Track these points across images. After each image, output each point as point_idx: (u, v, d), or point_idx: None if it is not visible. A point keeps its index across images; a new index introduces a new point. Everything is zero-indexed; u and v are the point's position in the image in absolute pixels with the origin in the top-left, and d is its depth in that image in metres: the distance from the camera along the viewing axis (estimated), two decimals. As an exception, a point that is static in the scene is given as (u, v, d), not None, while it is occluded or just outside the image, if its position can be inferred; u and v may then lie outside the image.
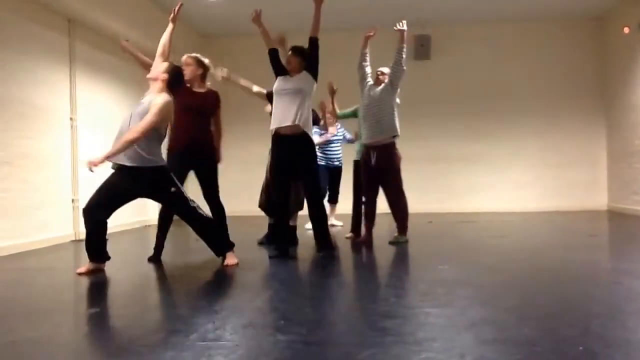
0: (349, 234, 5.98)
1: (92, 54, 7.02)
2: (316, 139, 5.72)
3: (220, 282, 4.02)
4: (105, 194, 4.09)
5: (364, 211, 5.69)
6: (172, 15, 4.61)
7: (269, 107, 5.24)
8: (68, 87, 6.58)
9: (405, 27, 5.25)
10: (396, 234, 5.53)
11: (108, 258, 4.28)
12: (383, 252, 5.16)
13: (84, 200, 4.25)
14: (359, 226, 5.90)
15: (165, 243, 4.78)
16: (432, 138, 9.41)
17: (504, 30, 9.34)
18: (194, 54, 4.75)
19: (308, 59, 4.73)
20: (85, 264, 4.23)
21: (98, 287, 3.91)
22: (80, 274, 4.15)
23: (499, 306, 3.02)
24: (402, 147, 5.59)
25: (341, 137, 6.76)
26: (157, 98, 4.06)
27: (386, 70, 5.45)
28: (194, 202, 4.33)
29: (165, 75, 4.13)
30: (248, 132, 9.00)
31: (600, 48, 9.25)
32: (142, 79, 4.30)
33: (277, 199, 4.88)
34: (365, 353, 2.25)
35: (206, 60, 4.78)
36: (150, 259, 4.70)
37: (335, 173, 6.82)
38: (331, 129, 6.61)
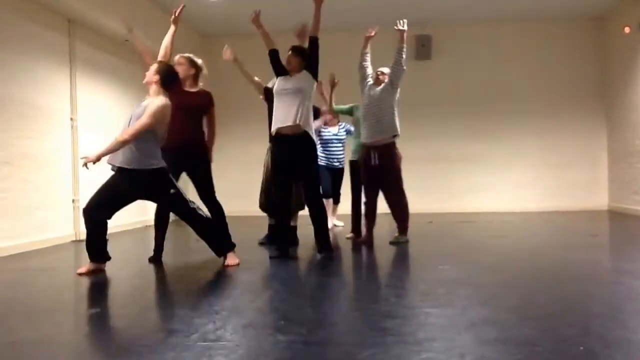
0: (350, 234, 5.98)
1: (93, 54, 7.02)
2: (317, 123, 5.64)
3: (220, 283, 4.02)
4: (105, 194, 4.10)
5: (364, 211, 5.69)
6: (173, 16, 4.61)
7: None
8: (68, 87, 6.58)
9: (405, 27, 5.25)
10: (397, 234, 5.53)
11: (108, 258, 4.28)
12: (383, 252, 5.16)
13: (84, 200, 4.26)
14: (359, 226, 5.91)
15: (165, 243, 4.79)
16: (433, 138, 9.41)
17: (504, 30, 9.34)
18: (186, 54, 4.74)
19: (308, 58, 4.73)
20: (85, 264, 4.23)
21: (98, 288, 3.91)
22: (80, 274, 4.15)
23: (499, 306, 3.02)
24: (403, 147, 5.59)
25: (343, 137, 6.68)
26: (153, 101, 4.06)
27: (386, 70, 5.45)
28: (193, 203, 4.33)
29: (157, 77, 4.13)
30: (248, 132, 9.00)
31: (601, 48, 9.25)
32: (142, 79, 4.30)
33: (277, 199, 4.88)
34: (366, 353, 2.25)
35: (199, 61, 4.78)
36: (150, 260, 4.70)
37: (336, 174, 6.78)
38: (332, 129, 6.60)
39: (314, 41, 4.70)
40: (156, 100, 4.05)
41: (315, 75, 4.77)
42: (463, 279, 3.79)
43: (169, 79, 4.18)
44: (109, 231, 4.25)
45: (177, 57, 4.69)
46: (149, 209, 7.89)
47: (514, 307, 3.00)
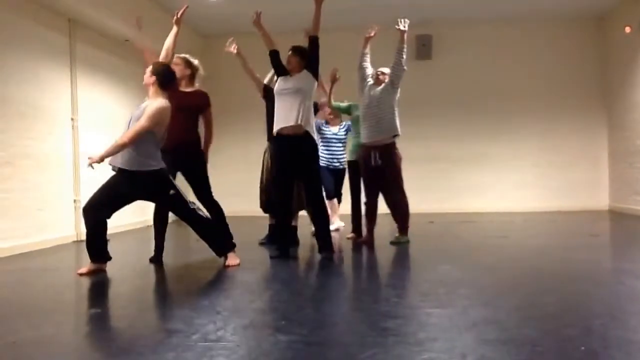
0: (351, 235, 5.97)
1: (93, 54, 7.02)
2: (317, 118, 5.63)
3: (221, 283, 4.02)
4: (105, 194, 4.11)
5: (364, 212, 5.69)
6: (175, 17, 4.60)
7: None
8: (69, 88, 6.58)
9: (406, 27, 5.24)
10: (397, 234, 5.53)
11: (109, 258, 4.28)
12: (384, 253, 5.16)
13: (85, 200, 4.26)
14: (359, 226, 5.90)
15: (165, 243, 4.79)
16: (433, 138, 9.40)
17: (504, 30, 9.33)
18: (182, 54, 4.73)
19: (308, 58, 4.73)
20: (86, 265, 4.24)
21: (99, 288, 3.91)
22: (81, 274, 4.16)
23: (500, 306, 3.01)
24: (403, 147, 5.58)
25: (343, 136, 6.64)
26: (152, 103, 4.06)
27: (386, 70, 5.45)
28: (193, 203, 4.34)
29: (153, 78, 4.13)
30: (248, 132, 8.99)
31: (601, 48, 9.24)
32: (143, 79, 4.30)
33: (277, 199, 4.88)
34: (367, 353, 2.25)
35: (195, 61, 4.77)
36: (151, 260, 4.71)
37: (337, 174, 6.71)
38: (333, 128, 6.58)
39: (314, 41, 4.70)
40: (155, 103, 4.05)
41: (315, 75, 4.76)
42: (464, 279, 3.78)
43: (166, 79, 4.17)
44: (109, 231, 4.25)
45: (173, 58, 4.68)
46: (150, 209, 7.85)
47: (515, 308, 3.00)
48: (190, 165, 4.62)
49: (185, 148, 4.55)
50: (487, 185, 9.38)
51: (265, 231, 5.79)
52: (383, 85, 5.40)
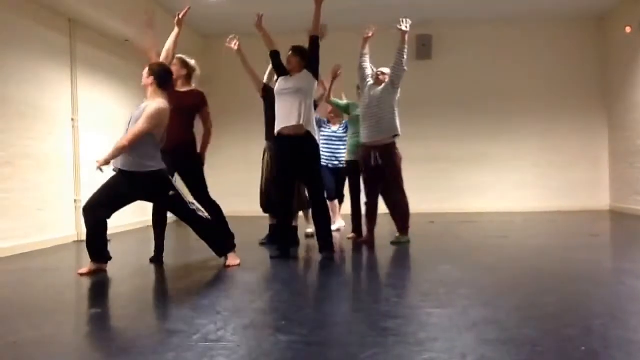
0: (351, 235, 5.97)
1: (93, 54, 7.02)
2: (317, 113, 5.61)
3: (221, 283, 4.02)
4: (106, 194, 4.12)
5: (365, 212, 5.69)
6: (177, 18, 4.59)
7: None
8: (69, 88, 6.58)
9: (408, 28, 5.24)
10: (398, 234, 5.53)
11: (109, 258, 4.28)
12: (385, 253, 5.16)
13: (85, 200, 4.26)
14: (360, 226, 5.90)
15: (165, 243, 4.79)
16: (433, 138, 9.40)
17: (505, 30, 9.33)
18: (178, 55, 4.72)
19: (308, 58, 4.73)
20: (87, 265, 4.24)
21: (99, 288, 3.91)
22: (81, 274, 4.16)
23: (500, 306, 3.01)
24: (403, 147, 5.58)
25: (342, 135, 6.60)
26: (150, 104, 4.07)
27: (386, 70, 5.45)
28: (193, 204, 4.34)
29: (151, 79, 4.13)
30: (248, 132, 8.98)
31: (601, 48, 9.24)
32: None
33: (278, 199, 4.88)
34: (367, 353, 2.25)
35: (192, 62, 4.77)
36: (151, 260, 4.71)
37: (336, 173, 6.65)
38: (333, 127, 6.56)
39: (314, 40, 4.70)
40: (153, 104, 4.06)
41: (315, 75, 4.76)
42: (464, 279, 3.79)
43: (163, 79, 4.18)
44: (110, 231, 4.25)
45: None
46: (150, 209, 7.90)
47: (515, 308, 3.00)
48: (186, 165, 4.60)
49: (181, 149, 4.53)
50: (487, 185, 9.38)
51: (265, 231, 5.79)
52: (383, 85, 5.40)
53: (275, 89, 4.84)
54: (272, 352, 2.33)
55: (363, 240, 5.68)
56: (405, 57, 5.28)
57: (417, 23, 5.40)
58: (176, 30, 4.56)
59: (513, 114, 9.37)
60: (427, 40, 9.26)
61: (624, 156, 8.64)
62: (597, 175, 9.28)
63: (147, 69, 4.20)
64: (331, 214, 5.14)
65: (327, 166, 6.44)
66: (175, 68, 4.58)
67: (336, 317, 3.01)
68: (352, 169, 5.93)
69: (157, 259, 4.71)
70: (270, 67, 5.26)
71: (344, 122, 6.59)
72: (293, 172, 4.78)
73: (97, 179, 4.28)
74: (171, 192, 4.18)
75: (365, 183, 5.62)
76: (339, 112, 6.37)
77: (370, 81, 5.50)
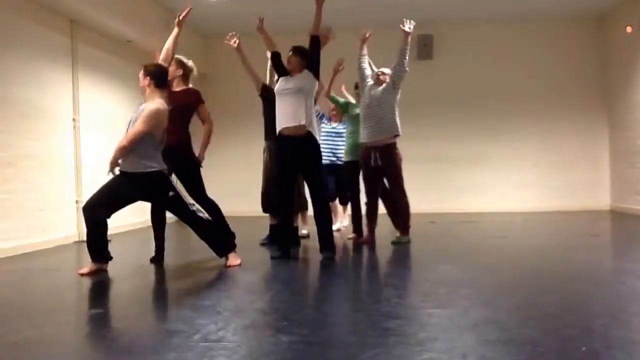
0: (352, 235, 5.97)
1: (95, 54, 7.02)
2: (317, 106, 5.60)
3: (222, 283, 4.02)
4: (105, 194, 4.13)
5: (365, 212, 5.69)
6: (177, 19, 4.59)
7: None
8: (70, 88, 6.58)
9: (411, 29, 5.23)
10: (398, 234, 5.53)
11: (110, 258, 4.29)
12: (385, 253, 5.16)
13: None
14: (360, 226, 5.90)
15: (166, 243, 4.79)
16: (434, 138, 9.40)
17: (505, 30, 9.33)
18: (176, 55, 4.71)
19: (309, 57, 4.73)
20: (87, 265, 4.24)
21: (100, 288, 3.92)
22: (82, 274, 4.16)
23: (500, 306, 3.02)
24: (403, 147, 5.58)
25: (342, 130, 6.55)
26: (148, 105, 4.08)
27: (387, 70, 5.46)
28: (193, 205, 4.34)
29: (148, 80, 4.14)
30: (248, 132, 8.99)
31: (601, 48, 9.24)
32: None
33: (278, 199, 4.88)
34: (368, 353, 2.25)
35: (190, 62, 4.77)
36: (152, 260, 4.71)
37: (335, 171, 6.53)
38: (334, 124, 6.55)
39: (315, 40, 4.70)
40: (151, 105, 4.07)
41: (316, 75, 4.76)
42: (464, 279, 3.79)
43: (160, 79, 4.19)
44: (110, 231, 4.26)
45: None
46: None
47: (516, 308, 3.00)
48: (181, 165, 4.58)
49: (177, 149, 4.51)
50: (487, 185, 9.38)
51: (266, 231, 5.79)
52: (384, 85, 5.40)
53: (276, 88, 4.84)
54: (272, 353, 2.33)
55: (364, 240, 5.68)
56: (407, 58, 5.28)
57: (418, 23, 5.40)
58: (176, 30, 4.55)
59: (513, 114, 9.37)
60: (428, 40, 9.27)
61: (625, 156, 8.63)
62: (597, 175, 9.28)
63: (142, 70, 4.21)
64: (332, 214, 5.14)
65: (326, 165, 6.40)
66: (171, 68, 4.58)
67: (337, 317, 3.01)
68: (351, 169, 5.91)
69: (157, 259, 4.71)
70: (269, 64, 5.27)
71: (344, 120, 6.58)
72: (293, 172, 4.79)
73: (98, 179, 4.29)
74: (171, 193, 4.18)
75: (365, 183, 5.62)
76: (340, 110, 6.34)
77: (370, 81, 5.50)
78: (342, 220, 6.81)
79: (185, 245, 6.14)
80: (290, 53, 4.78)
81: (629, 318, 2.81)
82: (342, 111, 6.18)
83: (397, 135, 5.43)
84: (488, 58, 9.39)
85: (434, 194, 9.24)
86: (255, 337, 2.60)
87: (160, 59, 4.48)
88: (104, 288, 3.94)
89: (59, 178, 6.28)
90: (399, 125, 5.40)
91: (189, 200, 4.33)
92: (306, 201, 5.57)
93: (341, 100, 6.12)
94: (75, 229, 6.50)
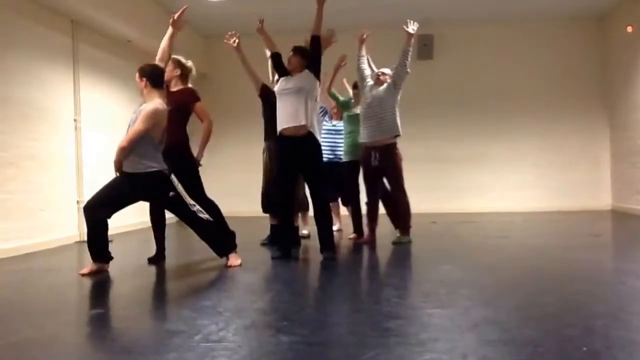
0: (352, 235, 5.97)
1: (96, 55, 7.03)
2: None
3: (222, 283, 4.02)
4: (106, 194, 4.14)
5: (365, 212, 5.69)
6: (172, 19, 4.55)
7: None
8: (72, 89, 6.59)
9: (415, 30, 5.23)
10: (399, 234, 5.53)
11: (111, 258, 4.29)
12: (386, 253, 5.16)
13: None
14: (360, 226, 5.90)
15: (167, 243, 4.80)
16: (434, 138, 9.40)
17: (505, 30, 9.33)
18: (174, 55, 4.70)
19: (309, 58, 4.73)
20: (88, 265, 4.25)
21: (101, 288, 3.92)
22: (83, 274, 4.17)
23: (501, 307, 3.02)
24: (403, 147, 5.58)
25: (341, 127, 6.52)
26: (147, 106, 4.09)
27: (387, 70, 5.46)
28: (194, 205, 4.34)
29: (144, 80, 4.15)
30: (248, 132, 8.96)
31: (602, 48, 9.23)
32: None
33: (279, 199, 4.88)
34: (368, 354, 2.25)
35: (189, 63, 4.76)
36: (152, 260, 4.71)
37: (335, 170, 6.48)
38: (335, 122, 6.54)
39: (316, 40, 4.70)
40: (149, 105, 4.08)
41: (317, 74, 4.76)
42: (465, 279, 3.79)
43: (155, 79, 4.19)
44: (111, 231, 4.26)
45: None
46: (151, 210, 7.92)
47: (516, 308, 3.00)
48: (179, 165, 4.56)
49: (174, 149, 4.49)
50: (487, 185, 9.38)
51: (266, 232, 5.79)
52: (385, 85, 5.40)
53: (276, 88, 4.85)
54: (273, 353, 2.34)
55: (364, 240, 5.68)
56: (409, 59, 5.28)
57: (418, 23, 5.40)
58: (170, 30, 4.48)
59: (513, 114, 9.37)
60: (428, 40, 9.27)
61: (626, 156, 8.63)
62: (598, 175, 9.28)
63: (137, 72, 4.21)
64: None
65: (325, 163, 6.36)
66: (168, 68, 4.56)
67: (337, 318, 3.01)
68: (350, 170, 5.90)
69: (158, 259, 4.71)
70: (271, 63, 5.27)
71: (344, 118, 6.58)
72: (293, 173, 4.79)
73: (99, 179, 4.30)
74: (171, 193, 4.18)
75: (365, 183, 5.62)
76: (340, 109, 6.33)
77: (370, 82, 5.50)
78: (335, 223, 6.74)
79: (186, 246, 6.14)
80: (291, 53, 4.79)
81: (629, 318, 2.81)
82: (343, 108, 6.18)
83: (397, 136, 5.43)
84: (488, 58, 9.39)
85: (434, 194, 9.24)
86: (256, 338, 2.60)
87: (157, 59, 4.46)
88: (105, 288, 3.94)
89: (60, 178, 6.28)
90: (399, 126, 5.40)
91: (190, 200, 4.33)
92: (307, 201, 5.57)
93: (341, 98, 6.12)
94: (76, 229, 6.50)
